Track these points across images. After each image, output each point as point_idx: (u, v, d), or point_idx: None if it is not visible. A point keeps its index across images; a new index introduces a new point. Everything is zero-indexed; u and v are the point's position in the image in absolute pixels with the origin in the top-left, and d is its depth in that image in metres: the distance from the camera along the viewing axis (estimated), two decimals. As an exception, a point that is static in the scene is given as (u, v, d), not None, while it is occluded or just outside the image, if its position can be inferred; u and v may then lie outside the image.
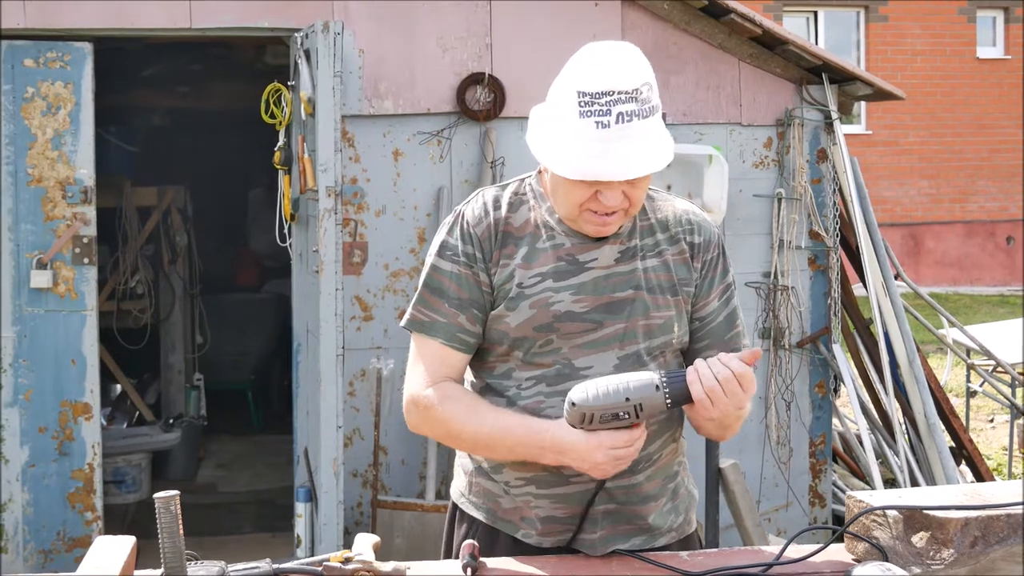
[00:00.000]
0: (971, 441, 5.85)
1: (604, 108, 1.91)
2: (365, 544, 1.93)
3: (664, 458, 2.16)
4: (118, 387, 6.71)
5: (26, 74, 4.83)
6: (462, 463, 2.26)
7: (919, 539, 1.83)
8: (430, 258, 2.16)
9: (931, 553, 1.82)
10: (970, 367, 6.82)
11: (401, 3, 5.04)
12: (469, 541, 2.00)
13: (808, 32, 14.70)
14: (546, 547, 2.12)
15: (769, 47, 5.31)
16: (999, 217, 15.31)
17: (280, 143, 5.08)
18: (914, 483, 5.26)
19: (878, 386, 5.55)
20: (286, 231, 5.17)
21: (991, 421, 8.05)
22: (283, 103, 5.07)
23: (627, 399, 1.91)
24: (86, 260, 4.91)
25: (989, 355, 6.35)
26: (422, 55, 5.06)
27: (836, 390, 5.72)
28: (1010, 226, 15.31)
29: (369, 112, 5.03)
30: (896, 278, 5.55)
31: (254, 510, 6.27)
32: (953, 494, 1.93)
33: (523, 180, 2.20)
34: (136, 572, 1.86)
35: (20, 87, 4.83)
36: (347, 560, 1.88)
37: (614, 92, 1.91)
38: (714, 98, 5.31)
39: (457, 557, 2.06)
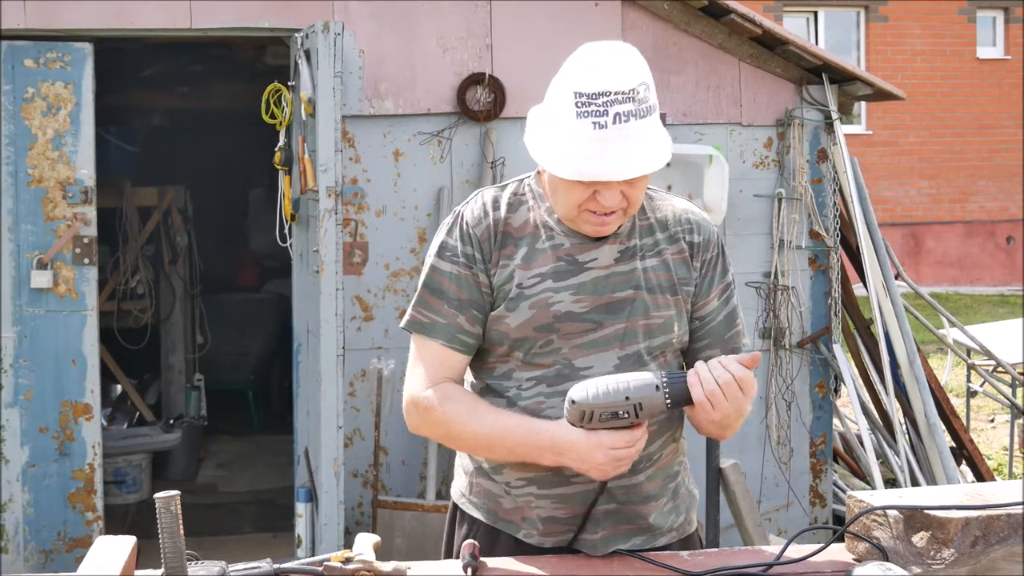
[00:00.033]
0: (971, 441, 5.85)
1: (601, 109, 1.91)
2: (366, 544, 1.93)
3: (665, 458, 2.16)
4: (118, 387, 6.71)
5: (26, 74, 4.83)
6: (462, 463, 2.26)
7: (919, 539, 1.83)
8: (429, 259, 2.16)
9: (931, 553, 1.82)
10: (970, 367, 6.82)
11: (401, 3, 5.05)
12: (470, 541, 2.00)
13: (808, 32, 14.70)
14: (547, 547, 2.12)
15: (769, 47, 5.31)
16: (999, 217, 15.31)
17: (280, 143, 5.08)
18: (915, 483, 5.26)
19: (878, 386, 5.55)
20: (286, 231, 5.17)
21: (991, 421, 8.05)
22: (283, 103, 5.07)
23: (627, 398, 1.91)
24: (86, 260, 4.91)
25: (989, 355, 6.35)
26: (422, 55, 5.06)
27: (836, 390, 5.72)
28: (1010, 226, 15.31)
29: (369, 112, 5.03)
30: (896, 278, 5.55)
31: (254, 510, 6.27)
32: (953, 494, 1.93)
33: (522, 180, 2.19)
34: (137, 572, 1.86)
35: (20, 87, 4.83)
36: (348, 560, 1.88)
37: (611, 92, 1.91)
38: (714, 98, 5.31)
39: (457, 557, 2.06)
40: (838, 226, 5.39)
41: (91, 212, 4.91)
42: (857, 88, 5.36)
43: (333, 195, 4.48)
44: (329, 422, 4.49)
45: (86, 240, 4.90)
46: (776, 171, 5.38)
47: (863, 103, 11.47)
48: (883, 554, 1.88)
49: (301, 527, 4.84)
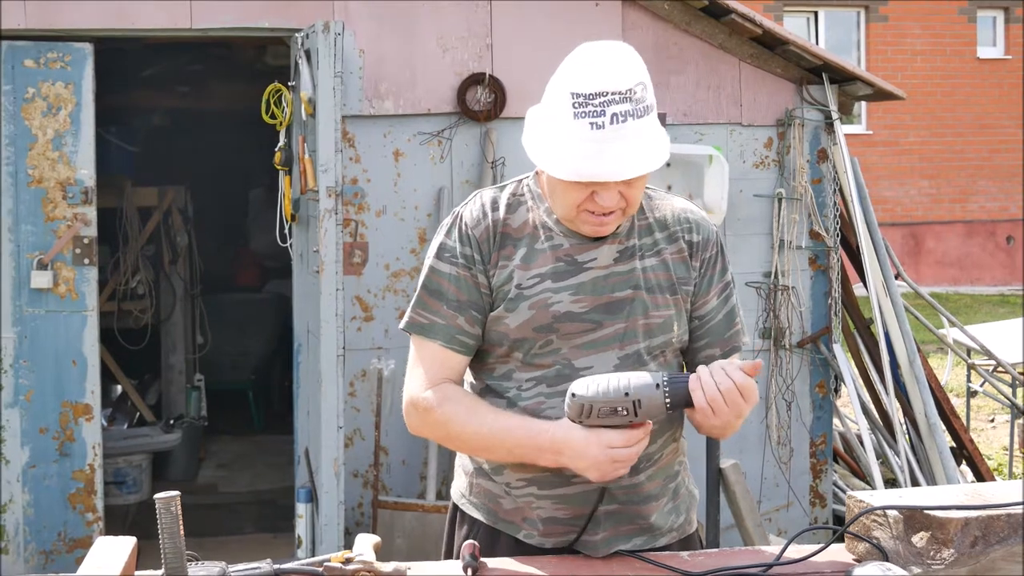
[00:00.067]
0: (972, 441, 5.85)
1: (598, 109, 1.91)
2: (366, 544, 1.93)
3: (665, 458, 2.16)
4: (119, 388, 6.71)
5: (26, 74, 4.83)
6: (463, 464, 2.26)
7: (919, 539, 1.83)
8: (428, 260, 2.16)
9: (931, 553, 1.82)
10: (970, 367, 6.82)
11: (401, 3, 5.05)
12: (470, 541, 2.00)
13: (808, 32, 14.70)
14: (547, 548, 2.12)
15: (769, 47, 5.31)
16: (999, 217, 15.31)
17: (280, 143, 5.08)
18: (915, 483, 5.26)
19: (879, 386, 5.55)
20: (287, 231, 5.17)
21: (992, 421, 8.05)
22: (283, 103, 5.07)
23: (626, 394, 1.92)
24: (87, 261, 4.91)
25: (989, 355, 6.35)
26: (422, 55, 5.07)
27: (837, 390, 5.72)
28: (1010, 226, 15.31)
29: (369, 112, 5.03)
30: (896, 278, 5.54)
31: (255, 510, 6.27)
32: (953, 494, 1.93)
33: (521, 181, 2.19)
34: (137, 573, 1.86)
35: (20, 87, 4.83)
36: (348, 560, 1.88)
37: (608, 93, 1.91)
38: (714, 98, 5.31)
39: (458, 558, 2.06)
40: (838, 226, 5.39)
41: (91, 212, 4.91)
42: (857, 88, 5.36)
43: (333, 195, 4.48)
44: (329, 422, 4.49)
45: (86, 240, 4.90)
46: (776, 171, 5.38)
47: (863, 103, 11.46)
48: (883, 554, 1.88)
49: (301, 527, 4.84)
